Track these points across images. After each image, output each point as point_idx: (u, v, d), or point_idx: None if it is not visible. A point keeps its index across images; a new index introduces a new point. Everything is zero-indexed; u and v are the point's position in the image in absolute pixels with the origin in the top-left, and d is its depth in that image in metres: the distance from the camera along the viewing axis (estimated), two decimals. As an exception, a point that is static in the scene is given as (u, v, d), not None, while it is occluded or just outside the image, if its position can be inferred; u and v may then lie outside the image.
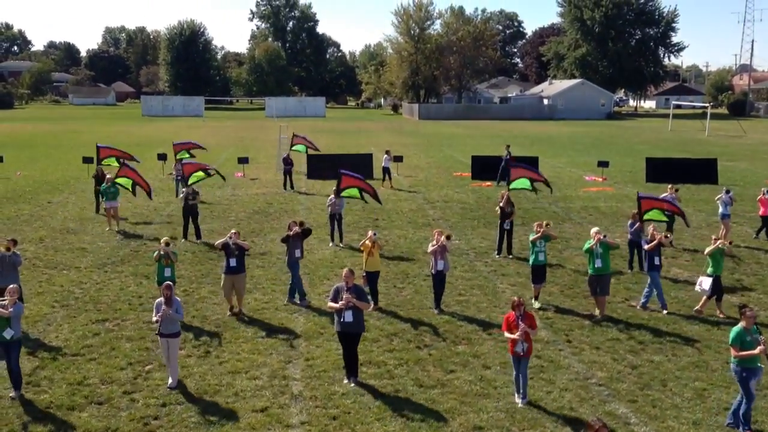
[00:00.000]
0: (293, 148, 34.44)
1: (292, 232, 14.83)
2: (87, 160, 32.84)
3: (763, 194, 20.64)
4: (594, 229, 14.50)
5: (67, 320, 13.62)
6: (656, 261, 14.44)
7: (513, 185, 21.84)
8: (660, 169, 32.69)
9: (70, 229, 21.71)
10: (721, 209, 20.61)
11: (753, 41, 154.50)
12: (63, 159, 40.41)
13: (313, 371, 11.39)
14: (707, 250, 14.28)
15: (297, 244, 14.81)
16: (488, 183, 31.39)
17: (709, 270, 14.16)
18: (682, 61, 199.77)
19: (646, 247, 14.65)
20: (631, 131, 69.43)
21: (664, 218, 17.32)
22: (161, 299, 10.93)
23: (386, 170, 30.64)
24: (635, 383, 11.04)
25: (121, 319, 13.73)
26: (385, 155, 31.03)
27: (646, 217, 16.66)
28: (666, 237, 15.50)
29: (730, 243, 15.13)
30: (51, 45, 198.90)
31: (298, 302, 14.65)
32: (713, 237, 14.92)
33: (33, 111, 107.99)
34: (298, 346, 12.47)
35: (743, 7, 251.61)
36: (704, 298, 14.25)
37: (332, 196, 20.03)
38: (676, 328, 13.41)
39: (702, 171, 32.52)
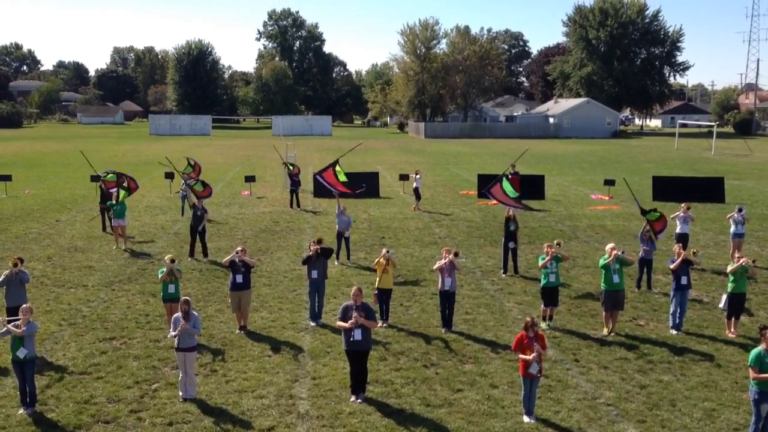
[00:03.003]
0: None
1: (312, 252, 14.74)
2: (95, 178, 33.04)
3: None
4: (610, 245, 14.44)
5: (74, 338, 13.63)
6: (683, 281, 14.26)
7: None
8: (666, 188, 32.66)
9: (77, 247, 21.80)
10: (733, 228, 20.44)
11: (758, 60, 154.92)
12: (71, 178, 40.65)
13: (320, 390, 11.36)
14: (730, 268, 14.17)
15: (315, 264, 14.71)
16: (494, 201, 31.31)
17: (730, 287, 14.08)
18: (688, 80, 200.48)
19: (671, 266, 14.48)
20: (637, 150, 69.43)
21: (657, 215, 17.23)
22: (179, 314, 10.99)
23: (415, 190, 30.30)
24: (644, 403, 10.96)
25: (128, 337, 13.74)
26: (415, 175, 30.70)
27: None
28: (694, 254, 15.25)
29: (754, 261, 14.98)
30: (60, 64, 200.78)
31: (313, 322, 14.59)
32: (735, 255, 14.79)
33: (41, 130, 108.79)
34: (305, 364, 12.45)
35: (748, 26, 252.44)
36: (726, 319, 14.20)
37: (338, 210, 20.04)
38: (685, 348, 13.33)
39: (709, 190, 32.45)
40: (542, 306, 14.80)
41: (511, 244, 18.54)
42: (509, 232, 18.56)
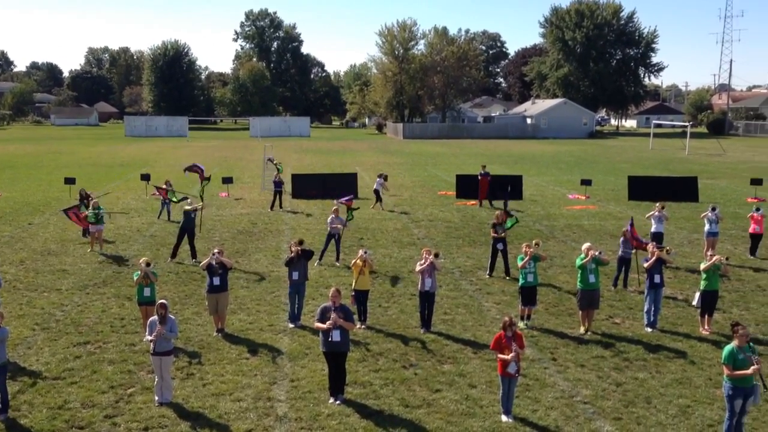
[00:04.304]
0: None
1: (293, 254, 14.65)
2: (69, 181, 32.66)
3: (753, 212, 20.91)
4: (586, 245, 14.57)
5: (47, 343, 13.44)
6: (656, 279, 14.41)
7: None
8: (642, 187, 33.02)
9: (51, 250, 21.51)
10: (707, 227, 20.75)
11: (731, 61, 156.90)
12: (44, 180, 40.09)
13: (298, 392, 11.31)
14: (703, 266, 14.33)
15: (296, 265, 14.64)
16: (473, 202, 31.50)
17: (702, 285, 14.24)
18: (662, 80, 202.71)
19: (645, 265, 14.63)
20: (613, 150, 70.10)
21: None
22: (155, 318, 10.88)
23: (377, 192, 30.35)
24: (620, 401, 11.06)
25: (103, 341, 13.58)
26: (379, 178, 30.76)
27: None
28: (667, 252, 15.39)
29: (727, 259, 15.16)
30: (33, 65, 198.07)
31: (292, 324, 14.53)
32: (708, 253, 14.96)
33: (14, 132, 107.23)
34: (283, 366, 12.39)
35: (721, 28, 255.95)
36: (700, 317, 14.36)
37: (332, 215, 20.00)
38: (659, 345, 13.46)
39: (683, 189, 32.85)
40: (520, 305, 14.88)
41: (499, 246, 18.51)
42: (498, 235, 18.41)
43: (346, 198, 21.79)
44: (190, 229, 20.20)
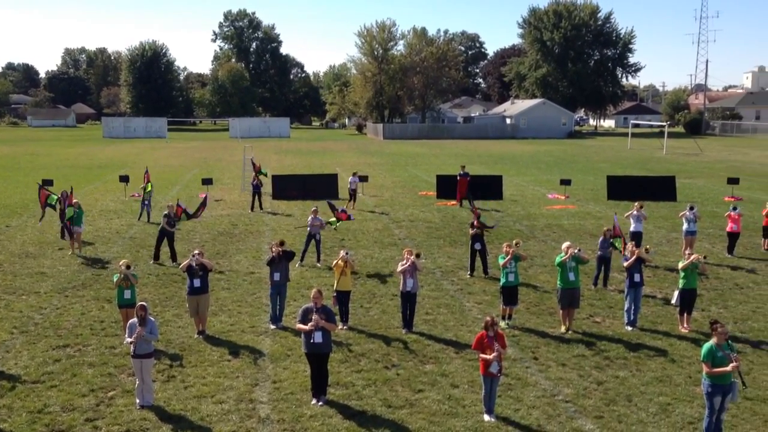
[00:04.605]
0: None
1: (274, 253, 14.60)
2: (46, 182, 32.23)
3: (731, 211, 21.19)
4: (566, 244, 14.67)
5: (26, 347, 13.28)
6: (636, 278, 14.54)
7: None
8: (620, 187, 33.33)
9: (29, 253, 21.25)
10: (685, 226, 20.99)
11: (707, 61, 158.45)
12: (21, 182, 39.57)
13: (280, 394, 11.28)
14: (681, 264, 14.47)
15: (278, 266, 14.58)
16: (453, 202, 31.60)
17: (681, 283, 14.39)
18: (640, 81, 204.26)
19: (625, 264, 14.75)
20: (592, 150, 70.66)
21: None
22: (134, 320, 10.79)
23: (353, 192, 30.40)
24: (601, 399, 11.15)
25: (83, 344, 13.44)
26: (352, 176, 30.82)
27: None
28: (646, 251, 15.54)
29: (705, 257, 15.33)
30: (9, 66, 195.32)
31: (273, 325, 14.48)
32: (686, 252, 15.11)
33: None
34: (265, 368, 12.34)
35: (697, 28, 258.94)
36: (679, 315, 14.51)
37: (311, 216, 19.98)
38: (640, 344, 13.59)
39: (661, 188, 33.21)
40: (501, 305, 14.95)
41: (477, 246, 18.59)
42: (475, 234, 18.51)
43: (341, 210, 21.46)
44: (169, 232, 20.07)
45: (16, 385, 11.53)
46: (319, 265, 19.70)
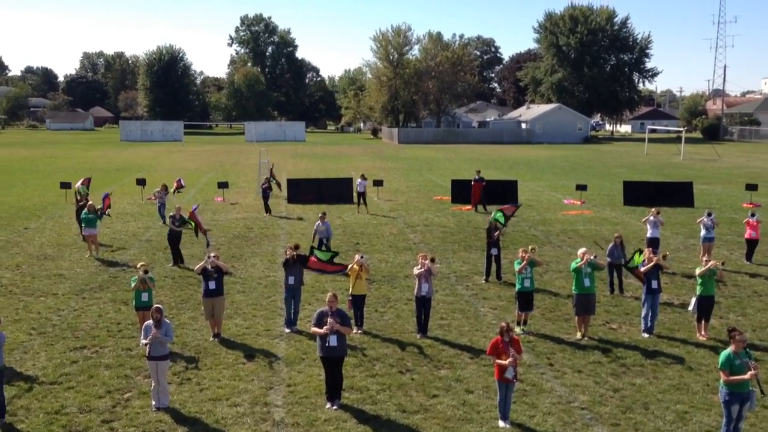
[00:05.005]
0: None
1: (288, 256, 14.63)
2: (64, 185, 32.60)
3: (749, 217, 20.99)
4: (582, 250, 14.59)
5: (44, 348, 13.40)
6: (653, 285, 14.43)
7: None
8: (637, 193, 33.10)
9: (47, 255, 21.44)
10: (703, 232, 20.76)
11: (725, 66, 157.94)
12: (40, 185, 39.98)
13: (295, 397, 11.29)
14: (698, 271, 14.35)
15: (292, 270, 14.61)
16: (468, 207, 31.54)
17: (698, 290, 14.26)
18: (657, 86, 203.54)
19: (642, 270, 14.66)
20: (608, 155, 70.27)
21: None
22: (150, 322, 10.86)
23: (361, 195, 30.40)
24: (617, 406, 11.07)
25: (100, 346, 13.54)
26: (360, 179, 30.83)
27: None
28: (664, 257, 15.40)
29: (723, 264, 15.16)
30: (28, 70, 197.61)
31: (288, 329, 14.51)
32: (704, 259, 14.95)
33: (9, 136, 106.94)
34: (279, 371, 12.37)
35: (715, 33, 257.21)
36: (696, 322, 14.38)
37: (318, 221, 20.08)
38: (657, 351, 13.49)
39: (678, 194, 32.94)
40: (517, 310, 14.89)
41: (493, 251, 18.57)
42: (492, 239, 18.50)
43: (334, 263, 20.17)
44: (176, 233, 20.22)
45: (34, 386, 11.63)
46: None
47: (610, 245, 17.46)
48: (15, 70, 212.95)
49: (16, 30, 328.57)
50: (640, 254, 15.36)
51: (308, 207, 31.29)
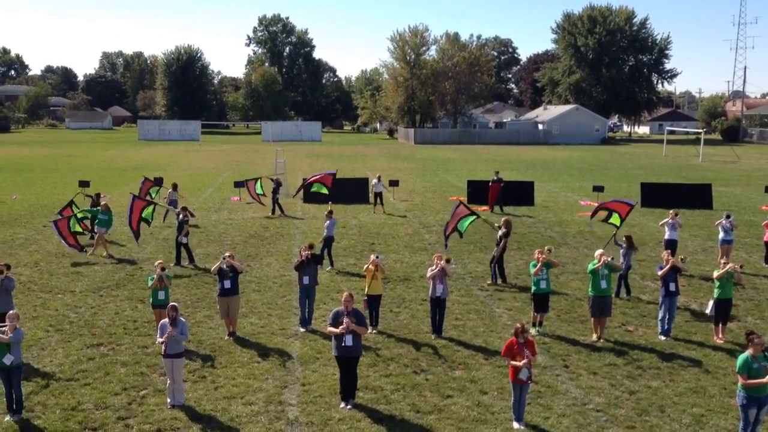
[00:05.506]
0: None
1: (303, 257, 14.68)
2: (83, 183, 32.88)
3: None
4: (599, 251, 14.50)
5: (61, 345, 13.53)
6: (671, 287, 14.30)
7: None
8: (655, 194, 32.85)
9: (65, 253, 21.63)
10: (721, 234, 20.54)
11: (745, 68, 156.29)
12: (59, 183, 40.36)
13: (309, 396, 11.31)
14: (716, 274, 14.20)
15: (305, 270, 14.66)
16: (484, 207, 31.45)
17: (716, 293, 14.12)
18: (675, 87, 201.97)
19: (660, 273, 14.54)
20: (626, 156, 69.79)
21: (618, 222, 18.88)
22: (166, 320, 10.94)
23: (378, 195, 30.45)
24: (633, 409, 10.99)
25: (116, 343, 13.65)
26: (376, 180, 30.83)
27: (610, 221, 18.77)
28: (682, 260, 15.28)
29: (741, 267, 15.01)
30: (48, 69, 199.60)
31: (303, 328, 14.54)
32: (722, 261, 14.78)
33: (29, 135, 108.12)
34: (294, 371, 12.40)
35: (735, 34, 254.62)
36: (714, 325, 14.24)
37: (327, 221, 20.14)
38: (673, 354, 13.37)
39: (697, 196, 32.64)
40: (532, 312, 14.83)
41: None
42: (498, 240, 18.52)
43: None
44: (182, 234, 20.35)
45: (51, 382, 11.74)
46: (328, 269, 19.58)
47: (621, 250, 17.30)
48: (35, 69, 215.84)
49: (37, 30, 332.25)
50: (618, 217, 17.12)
51: (324, 207, 31.27)
